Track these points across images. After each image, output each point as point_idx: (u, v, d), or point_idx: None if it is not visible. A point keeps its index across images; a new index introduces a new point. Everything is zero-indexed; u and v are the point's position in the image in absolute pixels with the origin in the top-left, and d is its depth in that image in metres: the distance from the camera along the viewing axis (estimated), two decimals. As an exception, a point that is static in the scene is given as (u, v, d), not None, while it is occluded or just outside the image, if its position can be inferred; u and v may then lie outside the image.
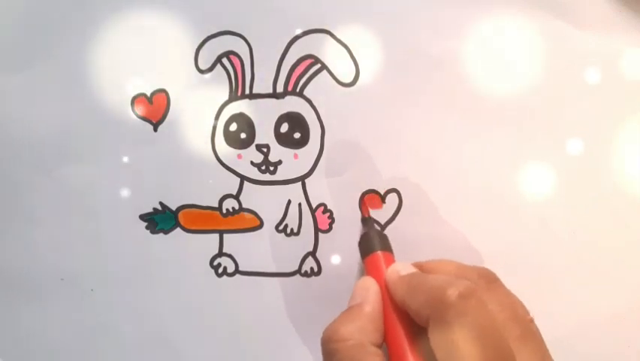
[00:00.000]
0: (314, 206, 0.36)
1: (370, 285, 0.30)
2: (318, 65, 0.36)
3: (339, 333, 0.28)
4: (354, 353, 0.27)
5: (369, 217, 0.35)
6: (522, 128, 0.35)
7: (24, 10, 0.37)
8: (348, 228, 0.36)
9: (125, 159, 0.36)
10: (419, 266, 0.31)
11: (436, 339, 0.26)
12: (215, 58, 0.36)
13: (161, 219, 0.36)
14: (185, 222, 0.36)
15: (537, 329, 0.28)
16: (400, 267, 0.30)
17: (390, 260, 0.32)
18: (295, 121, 0.36)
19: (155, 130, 0.36)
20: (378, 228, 0.35)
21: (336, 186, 0.36)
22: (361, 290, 0.30)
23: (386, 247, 0.32)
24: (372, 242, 0.32)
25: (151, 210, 0.36)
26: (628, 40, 0.35)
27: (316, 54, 0.36)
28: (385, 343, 0.29)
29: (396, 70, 0.36)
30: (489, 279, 0.30)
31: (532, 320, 0.29)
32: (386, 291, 0.30)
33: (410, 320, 0.28)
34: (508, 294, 0.29)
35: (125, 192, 0.36)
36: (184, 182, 0.36)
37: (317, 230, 0.36)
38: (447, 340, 0.25)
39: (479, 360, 0.24)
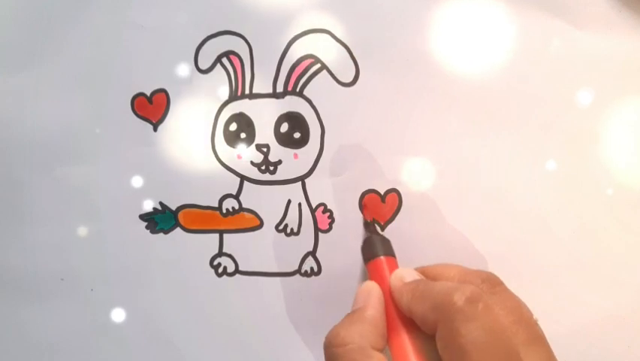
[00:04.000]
0: (314, 206, 0.36)
1: (372, 289, 0.30)
2: (318, 65, 0.36)
3: (341, 337, 0.28)
4: (354, 357, 0.27)
5: (372, 222, 0.35)
6: (522, 128, 0.35)
7: (24, 10, 0.37)
8: (348, 228, 0.35)
9: (125, 159, 0.36)
10: (421, 271, 0.31)
11: (444, 344, 0.26)
12: (215, 58, 0.36)
13: (161, 219, 0.36)
14: (185, 222, 0.36)
15: (542, 331, 0.28)
16: (404, 273, 0.30)
17: (394, 265, 0.32)
18: (295, 121, 0.36)
19: (155, 130, 0.36)
20: (381, 232, 0.35)
21: (336, 186, 0.36)
22: (364, 294, 0.30)
23: (389, 251, 0.32)
24: (375, 247, 0.32)
25: (151, 210, 0.36)
26: (628, 40, 0.35)
27: (316, 54, 0.36)
28: (389, 348, 0.29)
29: (396, 70, 0.36)
30: (493, 283, 0.30)
31: (536, 322, 0.29)
32: (389, 296, 0.30)
33: (414, 325, 0.28)
34: (512, 297, 0.29)
35: (125, 192, 0.36)
36: (184, 182, 0.36)
37: (317, 230, 0.36)
38: (455, 345, 0.25)
39: None
